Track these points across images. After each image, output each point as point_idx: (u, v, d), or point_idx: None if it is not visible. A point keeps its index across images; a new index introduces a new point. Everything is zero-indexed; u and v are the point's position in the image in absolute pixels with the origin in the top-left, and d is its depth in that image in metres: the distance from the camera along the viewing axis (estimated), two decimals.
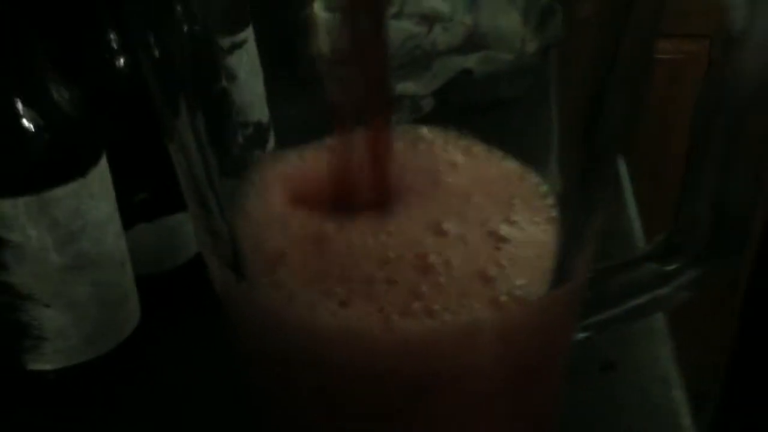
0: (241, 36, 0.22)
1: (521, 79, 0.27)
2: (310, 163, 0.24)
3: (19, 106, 0.25)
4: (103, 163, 0.28)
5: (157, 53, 0.20)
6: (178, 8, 0.19)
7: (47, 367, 0.29)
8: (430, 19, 0.28)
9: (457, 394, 0.22)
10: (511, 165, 0.25)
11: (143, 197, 0.32)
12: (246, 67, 0.23)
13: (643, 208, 0.44)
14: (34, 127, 0.26)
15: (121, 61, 0.30)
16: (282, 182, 0.23)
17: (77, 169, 0.27)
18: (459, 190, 0.24)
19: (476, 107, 0.28)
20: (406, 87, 0.30)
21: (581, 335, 0.26)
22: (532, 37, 0.49)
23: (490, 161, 0.25)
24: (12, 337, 0.28)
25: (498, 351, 0.22)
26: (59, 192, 0.26)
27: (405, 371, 0.21)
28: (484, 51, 0.28)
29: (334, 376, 0.21)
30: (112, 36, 0.30)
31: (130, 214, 0.31)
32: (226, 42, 0.22)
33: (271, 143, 0.25)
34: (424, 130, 0.26)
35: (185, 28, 0.20)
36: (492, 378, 0.22)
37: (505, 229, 0.22)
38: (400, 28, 0.24)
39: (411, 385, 0.21)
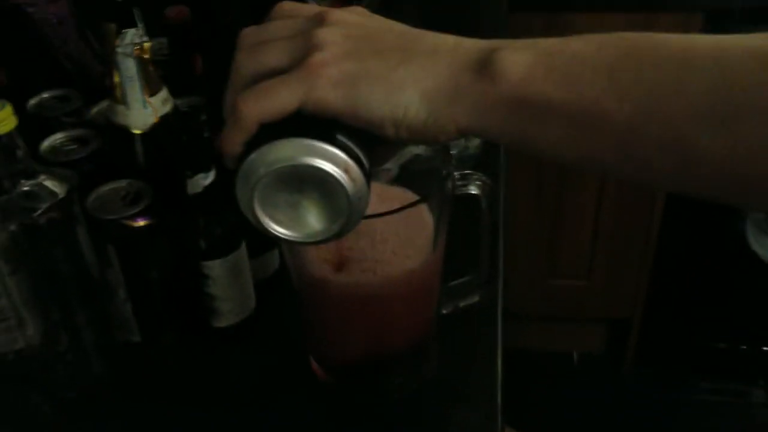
0: None
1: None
2: None
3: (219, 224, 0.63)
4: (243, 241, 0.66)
5: None
6: None
7: (220, 324, 0.68)
8: None
9: (388, 304, 0.57)
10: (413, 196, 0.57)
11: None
12: None
13: None
14: (236, 232, 0.63)
15: None
16: None
17: (237, 245, 0.64)
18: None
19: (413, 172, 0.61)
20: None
21: (445, 311, 0.64)
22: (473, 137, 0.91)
23: (403, 193, 0.58)
24: (207, 313, 0.67)
25: (409, 285, 0.56)
26: (231, 255, 0.64)
27: (362, 295, 0.56)
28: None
29: (333, 297, 0.57)
30: None
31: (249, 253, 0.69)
32: None
33: None
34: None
35: None
36: (405, 297, 0.58)
37: (408, 226, 0.55)
38: None
39: (365, 300, 0.57)
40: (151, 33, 0.64)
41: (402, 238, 0.55)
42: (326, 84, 0.40)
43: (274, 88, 0.41)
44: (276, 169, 0.40)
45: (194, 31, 0.76)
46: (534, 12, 1.32)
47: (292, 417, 0.63)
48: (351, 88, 0.40)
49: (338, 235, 0.43)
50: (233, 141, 0.42)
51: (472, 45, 0.41)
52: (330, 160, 0.40)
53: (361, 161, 0.41)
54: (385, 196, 0.57)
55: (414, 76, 0.40)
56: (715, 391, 1.72)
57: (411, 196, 0.57)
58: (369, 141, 0.43)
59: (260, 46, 0.43)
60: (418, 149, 0.65)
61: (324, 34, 0.41)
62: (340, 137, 0.41)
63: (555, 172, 1.51)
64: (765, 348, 1.69)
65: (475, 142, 0.93)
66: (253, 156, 0.40)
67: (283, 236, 0.43)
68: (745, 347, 1.69)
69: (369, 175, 0.42)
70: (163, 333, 0.68)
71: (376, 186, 0.58)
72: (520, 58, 0.39)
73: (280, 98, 0.40)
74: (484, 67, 0.40)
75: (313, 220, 0.43)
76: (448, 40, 0.42)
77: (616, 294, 1.66)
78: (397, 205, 0.55)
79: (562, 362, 1.82)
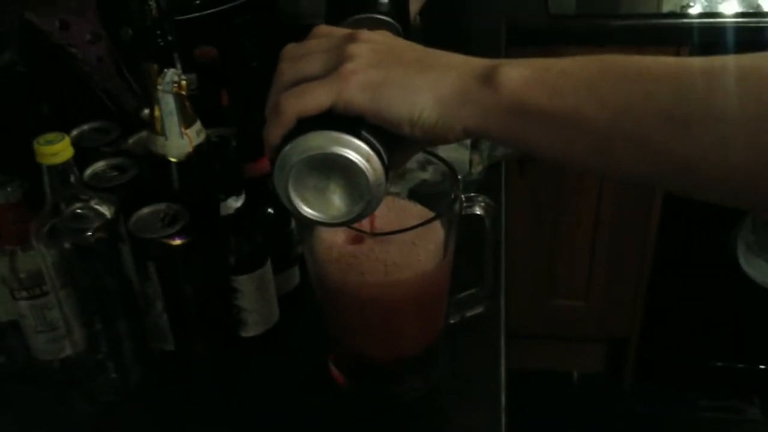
0: None
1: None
2: None
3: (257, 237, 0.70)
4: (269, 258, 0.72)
5: None
6: None
7: (247, 334, 0.74)
8: None
9: (402, 305, 0.64)
10: (425, 211, 0.66)
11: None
12: None
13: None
14: (263, 251, 0.70)
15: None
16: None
17: (263, 262, 0.71)
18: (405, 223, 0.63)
19: (421, 195, 0.69)
20: (391, 189, 0.73)
21: (452, 320, 0.71)
22: (478, 163, 1.02)
23: (419, 209, 0.66)
24: (236, 324, 0.73)
25: (420, 288, 0.63)
26: (258, 271, 0.71)
27: (378, 296, 0.63)
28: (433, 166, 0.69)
29: (351, 298, 0.64)
30: None
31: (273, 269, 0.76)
32: None
33: None
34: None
35: None
36: (417, 300, 0.64)
37: (421, 236, 0.62)
38: None
39: (381, 301, 0.63)
40: (182, 70, 0.72)
41: (416, 245, 0.62)
42: (355, 88, 0.47)
43: (311, 89, 0.48)
44: (308, 156, 0.47)
45: (221, 68, 0.83)
46: (531, 47, 1.40)
47: (312, 418, 0.70)
48: (375, 91, 0.47)
49: (359, 218, 0.50)
50: (274, 134, 0.49)
51: (478, 61, 0.49)
52: (355, 150, 0.47)
53: (381, 154, 0.48)
54: (403, 211, 0.64)
55: (429, 84, 0.48)
56: (713, 408, 1.77)
57: (425, 211, 0.65)
58: (389, 140, 0.49)
59: (300, 57, 0.50)
60: (426, 174, 0.72)
61: (354, 49, 0.49)
62: (365, 133, 0.48)
63: (552, 197, 1.58)
64: (762, 366, 1.74)
65: (478, 168, 1.01)
66: (289, 145, 0.47)
67: (311, 217, 0.49)
68: (741, 365, 1.75)
69: (387, 168, 0.49)
70: (196, 342, 0.74)
71: (395, 201, 0.66)
72: (518, 72, 0.46)
73: (316, 98, 0.48)
74: (488, 78, 0.47)
75: (338, 204, 0.49)
76: (459, 57, 0.50)
77: (613, 314, 1.72)
78: (413, 218, 0.63)
79: (563, 381, 1.87)
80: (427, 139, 0.49)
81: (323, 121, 0.47)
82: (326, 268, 0.63)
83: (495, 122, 0.47)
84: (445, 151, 0.98)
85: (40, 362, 0.73)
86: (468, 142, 1.01)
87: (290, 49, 0.52)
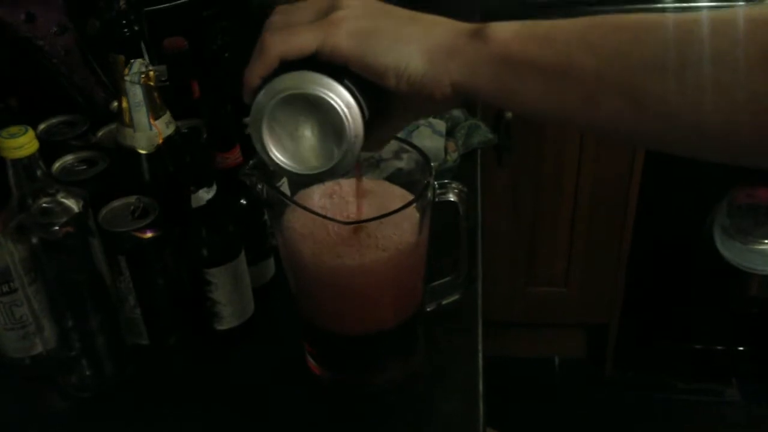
0: None
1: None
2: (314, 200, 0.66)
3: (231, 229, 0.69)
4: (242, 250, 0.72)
5: None
6: None
7: (222, 327, 0.73)
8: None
9: (375, 284, 0.63)
10: (404, 192, 0.65)
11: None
12: None
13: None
14: (236, 242, 0.69)
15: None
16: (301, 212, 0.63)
17: (237, 254, 0.70)
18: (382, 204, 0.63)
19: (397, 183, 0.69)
20: (367, 176, 0.72)
21: (429, 308, 0.70)
22: (454, 150, 1.01)
23: (395, 190, 0.66)
24: (210, 317, 0.72)
25: (394, 267, 0.62)
26: (232, 263, 0.70)
27: (353, 276, 0.62)
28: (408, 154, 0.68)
29: (324, 278, 0.63)
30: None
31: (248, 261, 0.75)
32: None
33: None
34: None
35: None
36: (391, 280, 0.63)
37: (396, 217, 0.61)
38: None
39: (355, 281, 0.62)
40: (150, 61, 0.71)
41: (390, 227, 0.62)
42: (342, 33, 0.47)
43: (298, 30, 0.48)
44: (285, 96, 0.45)
45: (191, 58, 0.82)
46: None
47: (290, 411, 0.69)
48: (363, 39, 0.47)
49: (333, 171, 0.48)
50: (255, 73, 0.48)
51: (467, 23, 0.49)
52: (335, 94, 0.46)
53: (362, 107, 0.47)
54: (384, 191, 0.65)
55: (418, 35, 0.48)
56: (692, 391, 1.78)
57: (405, 192, 0.65)
58: (373, 97, 0.48)
59: (292, 9, 0.50)
60: (401, 163, 0.71)
61: (346, 1, 0.49)
62: (347, 81, 0.47)
63: (530, 185, 1.58)
64: (740, 348, 1.75)
65: (454, 156, 1.00)
66: (266, 86, 0.46)
67: (284, 166, 0.48)
68: (720, 348, 1.76)
69: (366, 122, 0.47)
70: (170, 336, 0.73)
71: (376, 182, 0.65)
72: (508, 26, 0.47)
73: (301, 39, 0.47)
74: (477, 32, 0.47)
75: (313, 153, 0.48)
76: (448, 19, 0.50)
77: (593, 300, 1.72)
78: (393, 198, 0.64)
79: (544, 367, 1.88)
80: (413, 95, 0.48)
81: (305, 66, 0.46)
82: (299, 249, 0.62)
83: (484, 75, 0.47)
84: (420, 139, 0.98)
85: (11, 360, 0.72)
86: (443, 130, 1.01)
87: (283, 4, 0.51)
